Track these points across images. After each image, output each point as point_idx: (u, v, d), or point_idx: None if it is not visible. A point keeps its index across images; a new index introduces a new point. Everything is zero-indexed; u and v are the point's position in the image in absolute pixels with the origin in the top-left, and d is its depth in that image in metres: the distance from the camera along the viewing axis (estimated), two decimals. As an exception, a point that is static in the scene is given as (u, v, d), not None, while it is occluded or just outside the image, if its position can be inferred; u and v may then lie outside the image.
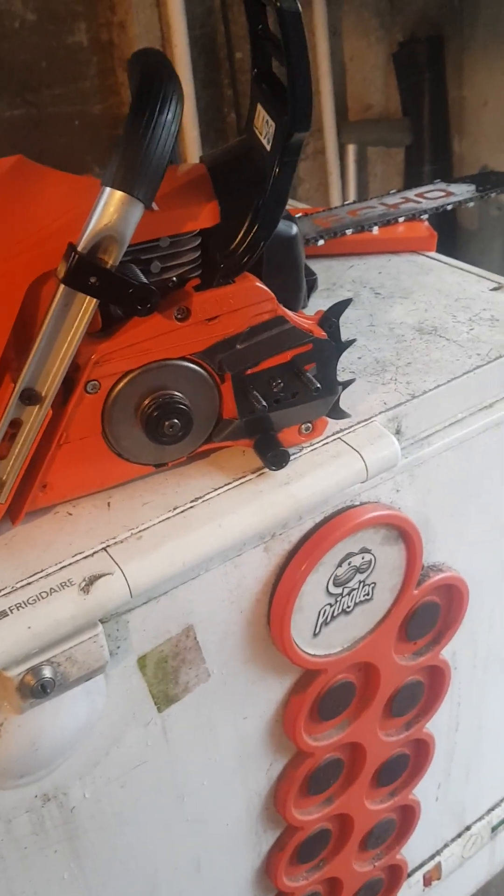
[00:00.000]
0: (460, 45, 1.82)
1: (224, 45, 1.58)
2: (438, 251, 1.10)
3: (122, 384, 0.61)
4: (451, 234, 1.94)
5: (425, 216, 1.09)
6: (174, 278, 0.62)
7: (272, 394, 0.66)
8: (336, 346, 0.67)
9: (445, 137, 1.87)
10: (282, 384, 0.66)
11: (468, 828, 1.19)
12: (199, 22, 1.54)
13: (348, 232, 1.04)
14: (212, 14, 1.53)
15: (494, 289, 0.95)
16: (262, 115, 0.62)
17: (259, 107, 0.62)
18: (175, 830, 0.80)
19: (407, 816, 1.05)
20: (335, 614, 0.78)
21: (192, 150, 1.56)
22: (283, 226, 0.63)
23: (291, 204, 1.32)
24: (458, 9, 1.80)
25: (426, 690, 0.93)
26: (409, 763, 0.99)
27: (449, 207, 1.11)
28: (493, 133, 1.81)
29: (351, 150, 1.81)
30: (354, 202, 1.14)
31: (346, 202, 1.14)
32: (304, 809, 0.91)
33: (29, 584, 0.59)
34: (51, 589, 0.59)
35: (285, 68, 0.54)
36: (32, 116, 1.40)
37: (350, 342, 0.68)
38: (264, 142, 0.60)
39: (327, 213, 1.10)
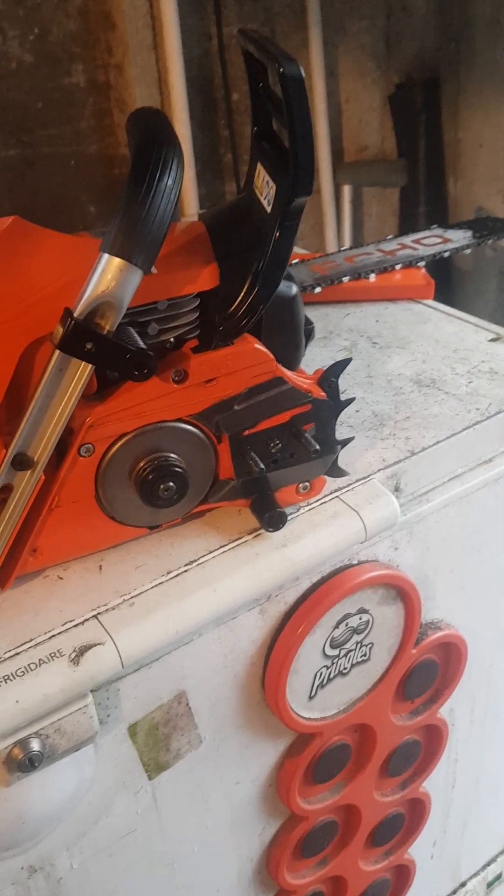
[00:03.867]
0: (456, 88, 1.83)
1: (221, 86, 1.58)
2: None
3: (116, 447, 0.59)
4: (446, 275, 1.94)
5: (422, 263, 1.09)
6: (171, 339, 0.60)
7: (270, 454, 0.65)
8: (335, 405, 0.65)
9: (441, 179, 1.88)
10: (280, 445, 0.64)
11: (463, 884, 1.16)
12: (196, 63, 1.54)
13: (345, 279, 1.04)
14: (209, 56, 1.54)
15: (493, 339, 0.94)
16: (262, 174, 0.61)
17: (259, 166, 0.62)
18: (165, 899, 0.77)
19: (402, 876, 1.02)
20: (331, 676, 0.76)
21: (189, 191, 1.56)
22: (282, 286, 0.62)
23: (287, 247, 1.32)
24: (454, 52, 1.82)
25: (423, 749, 0.91)
26: (405, 823, 0.96)
27: (446, 255, 1.10)
28: (488, 175, 1.82)
29: (346, 190, 1.82)
30: (351, 248, 1.14)
31: (342, 248, 1.14)
32: (297, 873, 0.88)
33: (17, 654, 0.57)
34: (40, 660, 0.57)
35: (287, 132, 0.53)
36: (28, 157, 1.39)
37: (349, 401, 0.67)
38: (264, 203, 0.59)
39: (324, 260, 1.10)
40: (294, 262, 1.10)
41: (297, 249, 1.27)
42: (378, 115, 1.85)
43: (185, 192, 1.54)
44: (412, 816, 0.97)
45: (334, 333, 0.99)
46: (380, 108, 1.85)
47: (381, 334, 0.97)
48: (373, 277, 1.05)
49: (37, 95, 1.38)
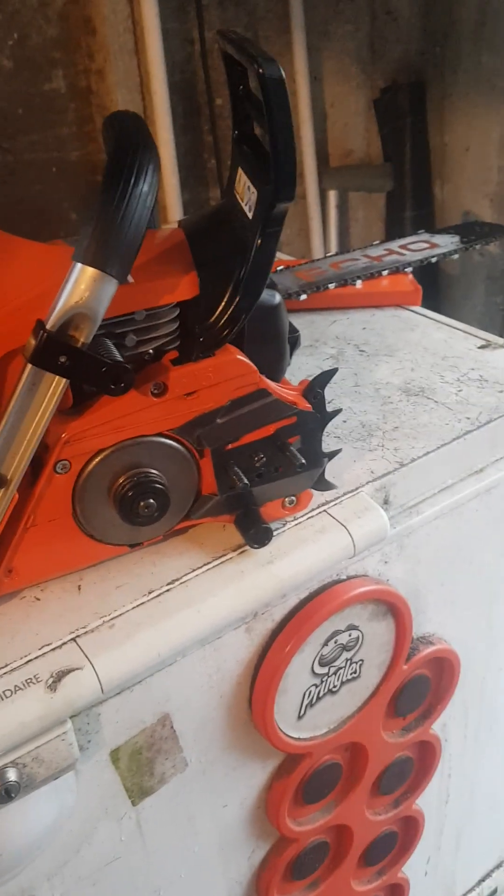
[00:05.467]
0: (442, 92, 1.82)
1: (204, 91, 1.56)
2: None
3: (94, 463, 0.57)
4: (433, 279, 1.93)
5: (410, 269, 1.07)
6: (151, 351, 0.58)
7: (254, 468, 0.63)
8: (321, 417, 0.63)
9: (427, 183, 1.87)
10: (264, 458, 0.62)
11: (459, 901, 1.14)
12: (178, 68, 1.52)
13: (331, 286, 1.02)
14: (191, 60, 1.52)
15: (482, 346, 0.93)
16: (243, 179, 0.59)
17: (240, 171, 0.60)
18: (151, 928, 0.75)
19: (396, 895, 1.00)
20: (321, 695, 0.74)
21: (172, 197, 1.53)
22: (265, 295, 0.60)
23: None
24: (439, 56, 1.81)
25: (415, 766, 0.89)
26: (398, 841, 0.94)
27: (434, 260, 1.08)
28: (475, 179, 1.80)
29: (332, 195, 1.80)
30: (337, 254, 1.12)
31: (328, 254, 1.12)
32: (288, 895, 0.86)
33: (-8, 681, 0.55)
34: (15, 686, 0.54)
35: (268, 135, 0.51)
36: (8, 163, 1.37)
37: (336, 412, 0.65)
38: (246, 209, 0.57)
39: (310, 266, 1.08)
40: (279, 268, 1.08)
41: (282, 256, 1.25)
42: (363, 120, 1.84)
43: (168, 198, 1.52)
44: (405, 834, 0.95)
45: (321, 341, 0.97)
46: (365, 112, 1.83)
47: (369, 342, 0.96)
48: (359, 284, 1.03)
49: (17, 101, 1.36)
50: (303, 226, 1.81)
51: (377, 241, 1.16)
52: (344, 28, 1.73)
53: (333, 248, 1.85)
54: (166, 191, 1.52)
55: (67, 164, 1.43)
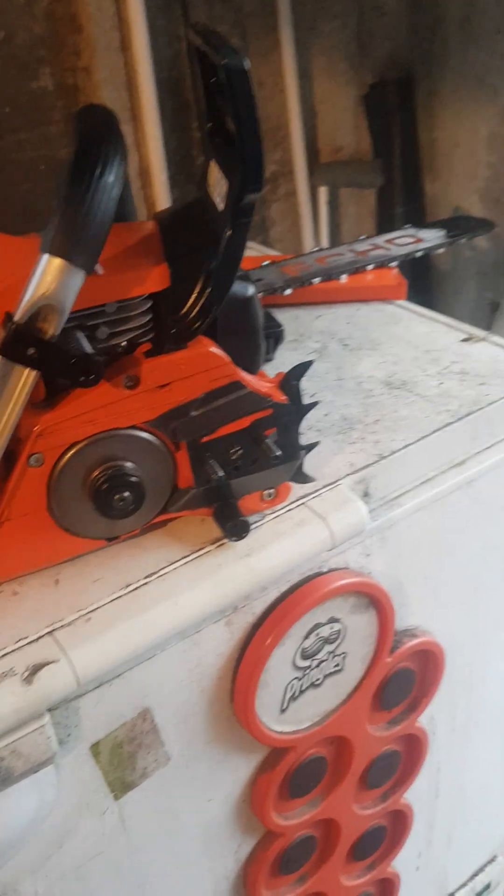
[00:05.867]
0: (430, 88, 1.82)
1: (192, 88, 1.56)
2: (412, 292, 1.07)
3: (68, 456, 0.57)
4: (424, 275, 1.93)
5: (395, 264, 1.07)
6: (124, 343, 0.58)
7: (231, 461, 0.63)
8: (297, 409, 0.63)
9: (417, 179, 1.87)
10: (241, 451, 0.62)
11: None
12: (166, 65, 1.52)
13: (316, 280, 1.01)
14: (179, 57, 1.52)
15: (464, 340, 0.92)
16: (215, 172, 0.59)
17: (213, 164, 0.60)
18: (136, 923, 0.75)
19: (386, 890, 1.00)
20: (303, 688, 0.74)
21: (161, 194, 1.53)
22: (238, 287, 0.60)
23: (261, 250, 1.30)
24: (426, 51, 1.81)
25: (403, 759, 0.88)
26: (387, 835, 0.94)
27: (419, 254, 1.08)
28: (464, 174, 1.80)
29: (322, 191, 1.80)
30: (323, 249, 1.12)
31: (315, 248, 1.12)
32: (275, 890, 0.86)
33: (-33, 674, 0.55)
34: (-10, 680, 0.54)
35: (234, 128, 0.51)
36: (-4, 162, 1.37)
37: (312, 405, 0.65)
38: (217, 201, 0.57)
39: (295, 261, 1.08)
40: (264, 263, 1.08)
41: (269, 251, 1.25)
42: (353, 116, 1.84)
43: (157, 195, 1.53)
44: (394, 829, 0.95)
45: (305, 336, 0.97)
46: (354, 108, 1.83)
47: (353, 336, 0.95)
48: (344, 278, 1.03)
49: (3, 100, 1.36)
50: (294, 222, 1.81)
51: (363, 237, 1.16)
52: (332, 24, 1.73)
53: (325, 244, 1.85)
54: (155, 188, 1.52)
55: (56, 162, 1.43)
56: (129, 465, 0.59)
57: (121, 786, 0.67)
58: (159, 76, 1.48)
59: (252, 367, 0.63)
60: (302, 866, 0.87)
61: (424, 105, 1.84)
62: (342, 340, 0.94)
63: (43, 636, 0.57)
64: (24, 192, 1.43)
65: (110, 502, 0.58)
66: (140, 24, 1.40)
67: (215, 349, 0.58)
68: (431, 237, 1.12)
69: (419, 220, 1.88)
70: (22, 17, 1.36)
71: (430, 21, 1.78)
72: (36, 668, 0.55)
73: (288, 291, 1.00)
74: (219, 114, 0.62)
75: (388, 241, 1.12)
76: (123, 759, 0.66)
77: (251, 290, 0.61)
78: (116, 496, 0.58)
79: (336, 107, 1.81)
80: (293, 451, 0.64)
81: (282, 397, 0.62)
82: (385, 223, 1.88)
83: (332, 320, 1.00)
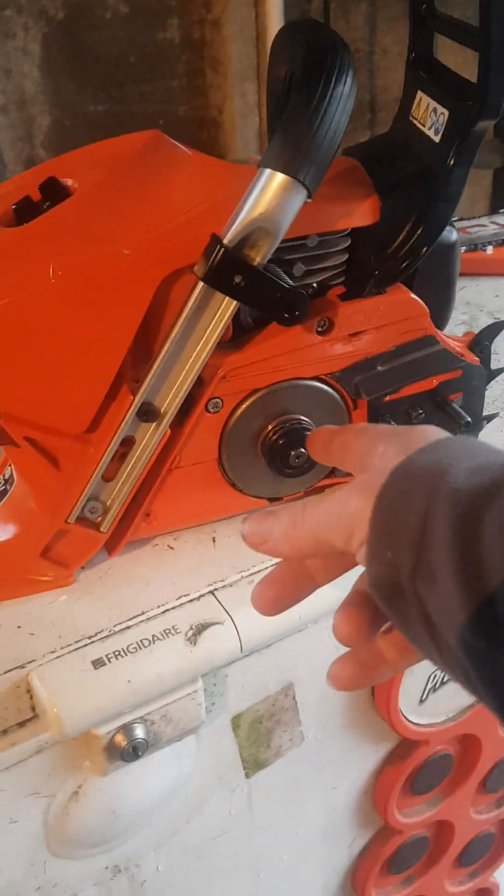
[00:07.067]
0: None
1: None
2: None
3: (246, 405, 0.52)
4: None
5: (543, 238, 1.00)
6: (314, 284, 0.53)
7: (410, 425, 0.57)
8: (487, 373, 0.58)
9: (538, 162, 1.79)
10: (423, 414, 0.57)
11: (543, 911, 1.08)
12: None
13: (462, 250, 0.95)
14: (310, 15, 1.46)
15: None
16: (426, 102, 0.53)
17: (421, 94, 0.54)
18: (247, 909, 0.71)
19: (485, 899, 0.94)
20: (445, 680, 0.69)
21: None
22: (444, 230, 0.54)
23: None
24: None
25: (526, 764, 0.83)
26: (494, 843, 0.89)
27: None
28: None
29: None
30: (461, 219, 1.06)
31: (454, 218, 1.06)
32: (382, 889, 0.81)
33: (128, 627, 0.50)
34: (153, 636, 0.50)
35: (478, 49, 0.46)
36: (117, 113, 1.33)
37: (501, 370, 0.59)
38: (430, 132, 0.52)
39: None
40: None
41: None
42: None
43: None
44: (503, 837, 0.89)
45: (449, 308, 0.91)
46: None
47: (503, 309, 0.89)
48: (490, 250, 0.97)
49: (129, 49, 1.32)
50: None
51: None
52: None
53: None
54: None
55: (175, 118, 1.38)
56: (306, 420, 0.54)
57: (254, 763, 0.62)
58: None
59: (441, 323, 0.58)
60: (411, 867, 0.82)
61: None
62: (492, 313, 0.89)
63: (205, 595, 0.53)
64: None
65: (285, 459, 0.53)
66: (275, -22, 1.35)
67: (415, 297, 0.53)
68: None
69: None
70: (153, -36, 1.31)
71: None
72: (200, 629, 0.51)
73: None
74: (426, 44, 0.57)
75: (534, 216, 1.06)
76: (261, 735, 0.61)
77: (455, 234, 0.55)
78: (293, 452, 0.53)
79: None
80: (477, 420, 0.59)
81: (474, 358, 0.57)
82: (500, 206, 1.80)
83: (477, 293, 0.94)
